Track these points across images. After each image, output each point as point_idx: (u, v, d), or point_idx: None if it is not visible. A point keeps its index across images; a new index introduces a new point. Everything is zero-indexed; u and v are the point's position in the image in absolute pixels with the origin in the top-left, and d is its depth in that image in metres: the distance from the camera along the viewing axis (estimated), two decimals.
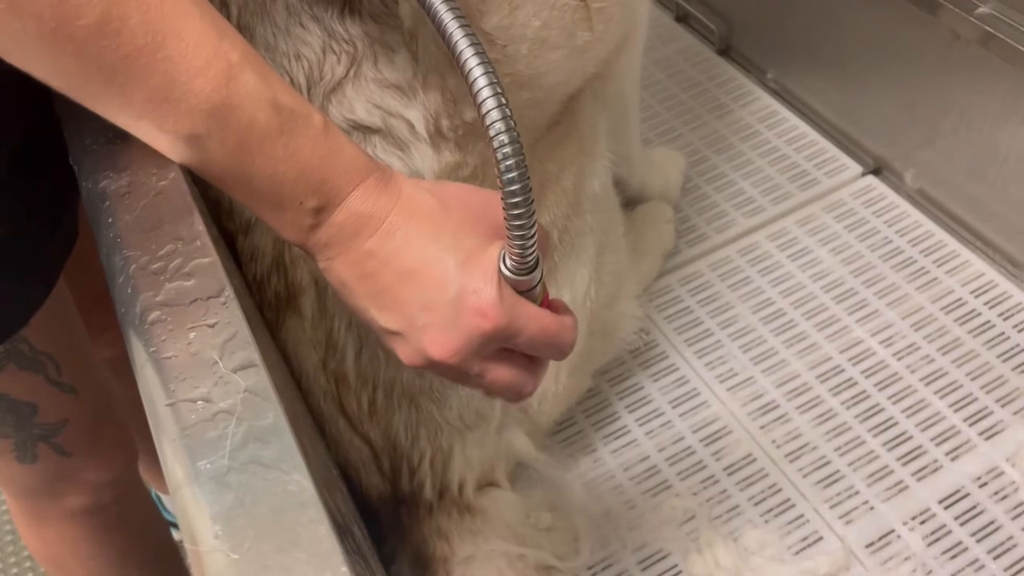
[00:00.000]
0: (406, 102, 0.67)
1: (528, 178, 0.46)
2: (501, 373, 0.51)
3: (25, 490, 0.84)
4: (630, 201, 1.10)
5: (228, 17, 0.69)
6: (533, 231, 0.47)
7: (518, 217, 0.46)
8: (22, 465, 0.78)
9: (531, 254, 0.48)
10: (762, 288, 1.07)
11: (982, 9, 0.93)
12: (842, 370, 0.99)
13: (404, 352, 0.51)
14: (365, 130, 0.68)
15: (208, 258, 0.45)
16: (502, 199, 0.46)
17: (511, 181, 0.46)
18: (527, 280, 0.49)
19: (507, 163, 0.45)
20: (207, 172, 0.48)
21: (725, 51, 1.36)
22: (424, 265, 0.49)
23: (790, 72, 1.27)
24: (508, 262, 0.49)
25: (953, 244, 1.07)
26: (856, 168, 1.17)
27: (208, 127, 0.45)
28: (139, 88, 0.44)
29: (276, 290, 0.75)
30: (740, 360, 1.01)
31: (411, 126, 0.68)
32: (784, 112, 1.26)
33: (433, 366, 0.51)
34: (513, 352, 0.51)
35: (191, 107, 0.45)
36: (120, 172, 0.50)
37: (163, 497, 1.28)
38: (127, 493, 0.92)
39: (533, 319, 0.49)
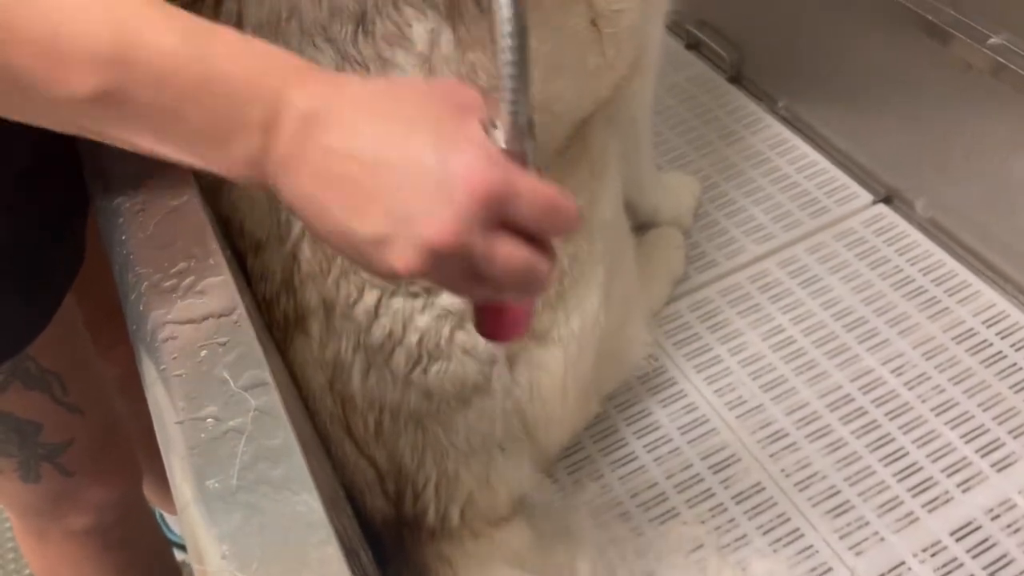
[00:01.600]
0: None
1: (525, 15, 0.42)
2: (509, 250, 0.44)
3: (28, 509, 0.84)
4: (641, 226, 1.10)
5: None
6: (527, 82, 0.43)
7: (513, 56, 0.42)
8: (25, 484, 0.78)
9: (523, 115, 0.43)
10: (772, 315, 1.07)
11: (994, 40, 0.93)
12: (852, 399, 0.98)
13: (398, 257, 0.43)
14: None
15: (220, 276, 0.45)
16: (496, 39, 0.43)
17: (509, 20, 0.42)
18: (519, 152, 0.45)
19: None
20: (132, 129, 0.44)
21: (736, 79, 1.36)
22: (395, 147, 0.44)
23: (801, 100, 1.27)
24: (498, 130, 0.44)
25: (964, 273, 1.07)
26: (867, 196, 1.17)
27: (114, 75, 0.41)
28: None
29: (285, 310, 0.75)
30: (750, 387, 1.01)
31: None
32: (795, 140, 1.26)
33: (432, 263, 0.44)
34: (516, 234, 0.45)
35: (89, 60, 0.41)
36: (135, 190, 0.50)
37: (167, 517, 1.27)
38: (130, 514, 0.91)
39: (529, 182, 0.44)
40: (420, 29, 0.66)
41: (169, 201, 0.49)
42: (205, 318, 0.43)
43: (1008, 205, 1.01)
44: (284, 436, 0.39)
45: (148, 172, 0.50)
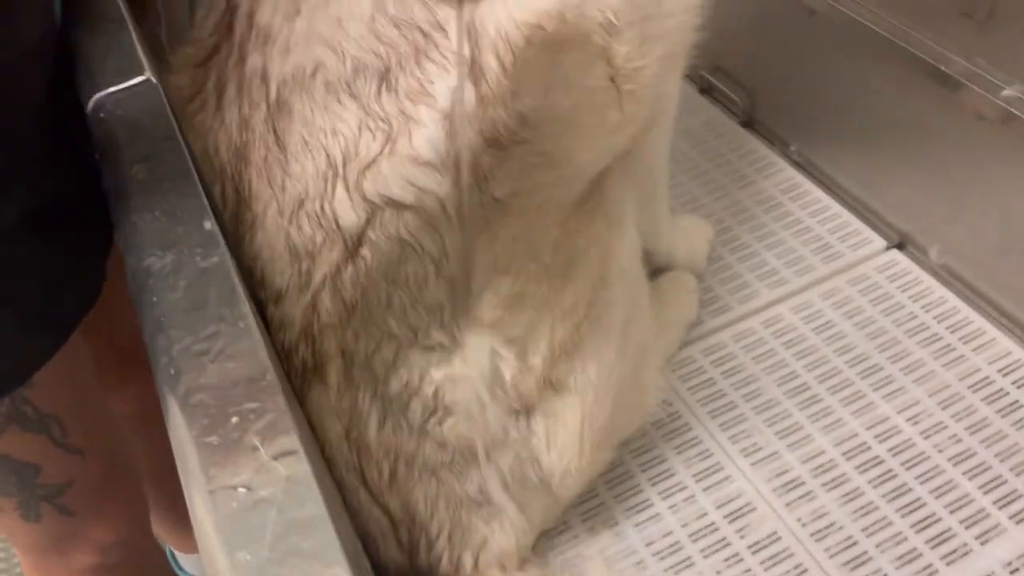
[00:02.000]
0: (439, 179, 0.69)
1: None
2: None
3: (33, 547, 0.84)
4: (655, 270, 1.11)
5: (267, 92, 0.71)
6: None
7: None
8: (27, 523, 0.78)
9: None
10: (786, 361, 1.07)
11: (1007, 92, 0.94)
12: (868, 447, 0.98)
13: None
14: (398, 206, 0.70)
15: (251, 340, 0.46)
16: None
17: None
18: None
19: None
20: None
21: (748, 123, 1.37)
22: None
23: (813, 144, 1.28)
24: None
25: (979, 321, 1.07)
26: (880, 242, 1.17)
27: None
28: None
29: (303, 359, 0.76)
30: (765, 434, 1.00)
31: (442, 204, 0.69)
32: (807, 184, 1.27)
33: None
34: None
35: None
36: (165, 250, 0.51)
37: (178, 554, 1.27)
38: (137, 552, 0.91)
39: None
40: (442, 86, 0.67)
41: (199, 262, 0.50)
42: (236, 383, 0.44)
43: (1022, 254, 1.01)
44: (315, 507, 0.39)
45: (179, 233, 0.51)
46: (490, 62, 0.65)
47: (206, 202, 0.53)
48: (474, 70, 0.66)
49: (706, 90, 1.43)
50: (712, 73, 1.40)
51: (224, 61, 0.73)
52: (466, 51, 0.65)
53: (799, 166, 1.30)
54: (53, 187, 0.65)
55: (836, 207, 1.23)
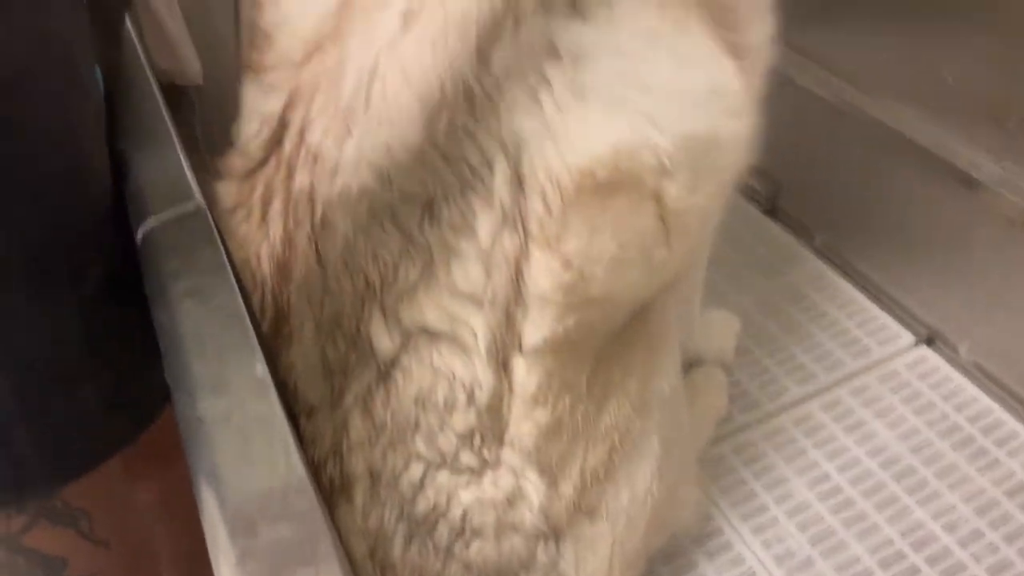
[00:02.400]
0: (474, 311, 0.69)
1: None
2: None
3: None
4: (684, 365, 1.10)
5: (312, 211, 0.72)
6: None
7: None
8: None
9: None
10: (818, 461, 1.06)
11: None
12: (905, 555, 0.96)
13: None
14: (432, 335, 0.70)
15: (306, 499, 0.45)
16: None
17: None
18: None
19: None
20: None
21: (772, 211, 1.38)
22: None
23: (839, 236, 1.29)
24: None
25: (1012, 423, 1.06)
26: (909, 337, 1.17)
27: None
28: None
29: (331, 476, 0.75)
30: (798, 539, 0.99)
31: (475, 335, 0.69)
32: (833, 276, 1.27)
33: None
34: None
35: None
36: (218, 396, 0.51)
37: None
38: None
39: None
40: (485, 222, 0.68)
41: (252, 407, 0.50)
42: (290, 544, 0.44)
43: None
44: None
45: (231, 376, 0.51)
46: (536, 206, 0.66)
47: (256, 344, 0.53)
48: (517, 213, 0.67)
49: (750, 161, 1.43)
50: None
51: (272, 175, 0.74)
52: (507, 194, 0.66)
53: (825, 257, 1.30)
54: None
55: (863, 300, 1.23)
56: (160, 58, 1.13)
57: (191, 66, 1.17)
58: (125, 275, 0.67)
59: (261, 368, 0.52)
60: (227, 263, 0.58)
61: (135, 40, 0.92)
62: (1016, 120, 0.95)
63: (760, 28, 0.74)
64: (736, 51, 0.72)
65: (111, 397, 0.70)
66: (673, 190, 0.68)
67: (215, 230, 0.64)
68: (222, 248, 0.60)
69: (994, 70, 0.95)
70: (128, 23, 0.88)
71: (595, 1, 0.66)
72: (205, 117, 1.23)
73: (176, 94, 1.24)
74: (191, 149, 1.19)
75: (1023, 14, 0.91)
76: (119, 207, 0.69)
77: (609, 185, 0.65)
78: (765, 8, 0.75)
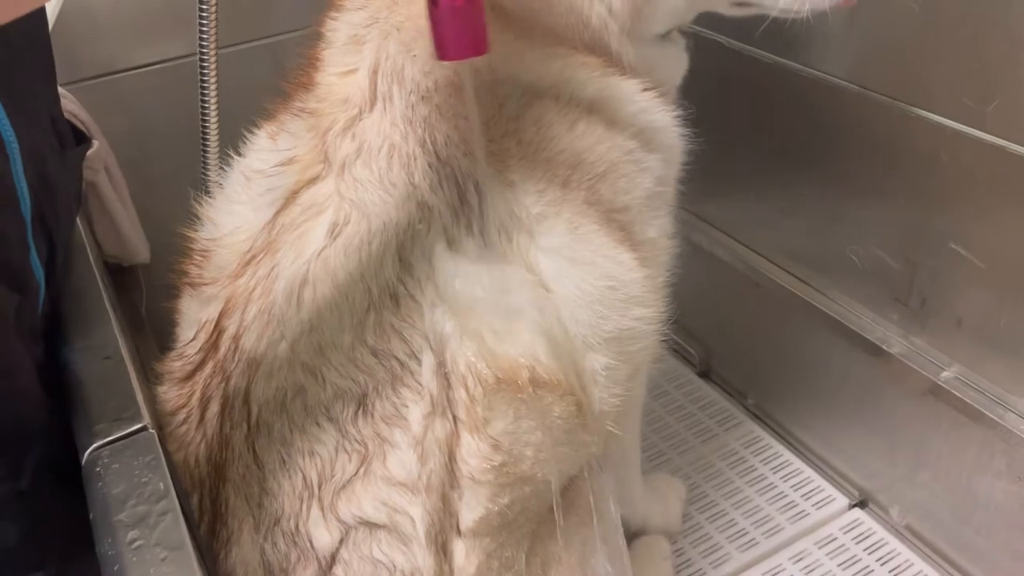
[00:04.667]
0: (411, 499, 0.70)
1: None
2: None
3: None
4: (627, 536, 1.11)
5: (248, 413, 0.74)
6: None
7: None
8: None
9: None
10: None
11: (946, 373, 1.00)
12: None
13: None
14: (371, 526, 0.71)
15: None
16: None
17: None
18: None
19: None
20: None
21: (705, 374, 1.43)
22: None
23: (769, 398, 1.33)
24: None
25: None
26: (843, 500, 1.20)
27: None
28: None
29: None
30: None
31: (413, 522, 0.71)
32: (767, 438, 1.31)
33: None
34: None
35: None
36: None
37: None
38: None
39: None
40: (416, 412, 0.70)
41: None
42: None
43: (982, 520, 1.03)
44: None
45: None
46: (461, 395, 0.69)
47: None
48: (445, 401, 0.70)
49: (662, 340, 1.49)
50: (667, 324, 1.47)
51: (209, 378, 0.76)
52: (435, 384, 0.69)
53: (758, 418, 1.34)
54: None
55: (797, 462, 1.26)
56: (108, 244, 1.16)
57: (139, 249, 1.20)
58: (63, 463, 0.67)
59: None
60: (173, 491, 0.59)
61: (82, 230, 0.95)
62: (918, 299, 1.02)
63: (657, 224, 0.80)
64: (633, 244, 0.77)
65: None
66: (593, 390, 0.72)
67: (160, 451, 0.64)
68: (167, 471, 0.61)
69: (896, 253, 1.03)
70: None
71: (493, 229, 0.71)
72: (153, 295, 1.26)
73: (123, 274, 1.26)
74: (137, 327, 1.21)
75: (921, 206, 0.99)
76: (54, 397, 0.70)
77: (529, 383, 0.69)
78: (660, 206, 0.81)
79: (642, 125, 0.76)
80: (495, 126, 0.71)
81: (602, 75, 0.75)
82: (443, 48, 0.61)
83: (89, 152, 1.03)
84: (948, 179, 0.95)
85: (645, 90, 0.77)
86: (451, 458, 0.71)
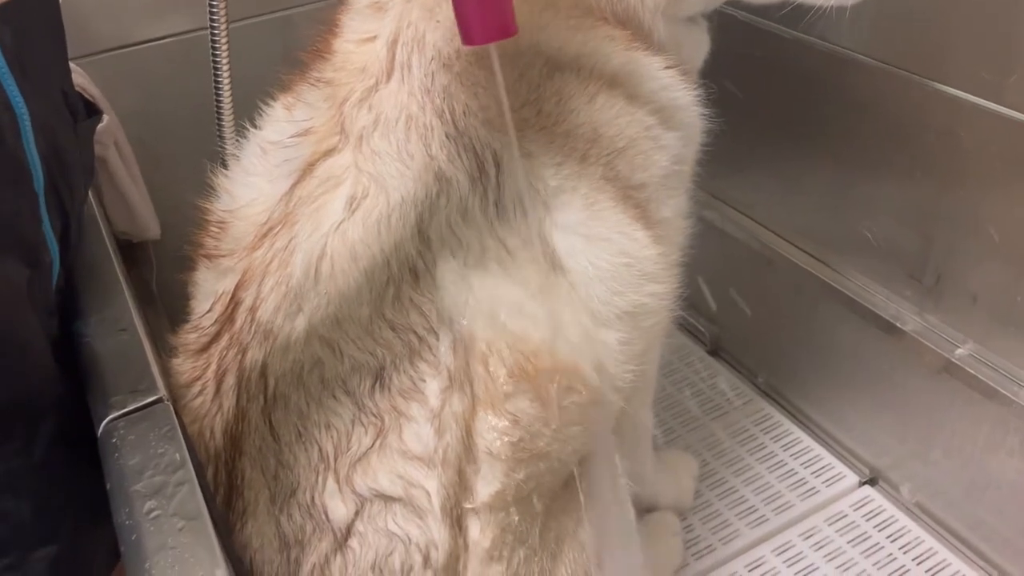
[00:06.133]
0: (426, 472, 0.70)
1: None
2: None
3: None
4: (639, 513, 1.11)
5: (265, 386, 0.74)
6: None
7: None
8: None
9: None
10: None
11: (960, 351, 1.00)
12: None
13: None
14: (387, 499, 0.71)
15: None
16: None
17: None
18: None
19: None
20: None
21: (715, 351, 1.43)
22: None
23: (779, 376, 1.33)
24: None
25: (957, 563, 1.08)
26: (853, 477, 1.20)
27: None
28: None
29: None
30: None
31: (428, 496, 0.71)
32: (777, 415, 1.30)
33: None
34: None
35: None
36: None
37: None
38: None
39: None
40: (434, 386, 0.70)
41: None
42: None
43: (994, 498, 1.03)
44: None
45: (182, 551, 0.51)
46: (480, 371, 0.69)
47: (217, 546, 0.54)
48: (464, 376, 0.70)
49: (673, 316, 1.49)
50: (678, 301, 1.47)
51: (224, 351, 0.76)
52: (452, 360, 0.69)
53: (768, 396, 1.34)
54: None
55: (807, 440, 1.26)
56: (119, 219, 1.16)
57: (149, 225, 1.20)
58: (75, 437, 0.68)
59: (222, 573, 0.52)
60: (189, 461, 0.59)
61: (94, 204, 0.95)
62: (932, 276, 1.01)
63: (673, 203, 0.80)
64: (648, 223, 0.77)
65: (60, 565, 0.70)
66: (609, 369, 0.71)
67: (176, 422, 0.64)
68: (183, 442, 0.61)
69: (911, 229, 1.03)
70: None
71: (509, 201, 0.71)
72: (162, 269, 1.26)
73: (134, 249, 1.26)
74: (148, 302, 1.21)
75: (937, 181, 0.99)
76: (68, 370, 0.70)
77: (547, 372, 0.69)
78: (676, 186, 0.80)
79: (663, 102, 0.75)
80: (514, 96, 0.71)
81: (626, 49, 0.74)
82: (468, 31, 0.58)
83: (99, 127, 1.02)
84: (965, 154, 0.95)
85: (668, 67, 0.76)
86: (468, 432, 0.70)
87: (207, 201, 0.78)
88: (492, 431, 0.69)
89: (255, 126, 0.79)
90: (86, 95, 1.02)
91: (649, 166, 0.77)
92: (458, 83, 0.70)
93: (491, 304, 0.70)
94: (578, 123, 0.72)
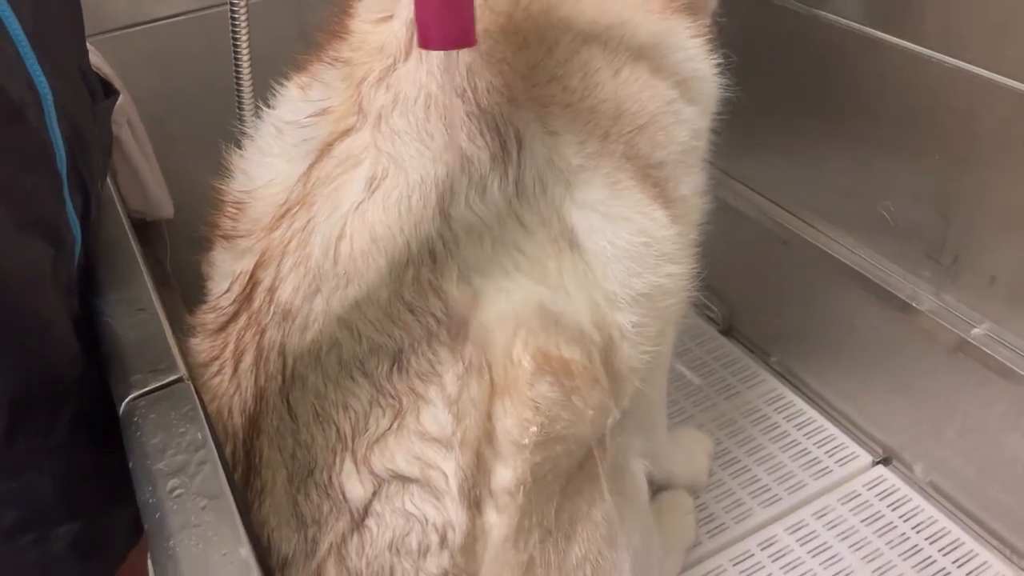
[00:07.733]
0: (444, 454, 0.71)
1: None
2: None
3: None
4: (653, 491, 1.12)
5: (283, 366, 0.74)
6: None
7: None
8: None
9: None
10: None
11: (976, 330, 0.99)
12: None
13: None
14: (404, 480, 0.71)
15: None
16: None
17: None
18: None
19: None
20: None
21: (728, 331, 1.42)
22: None
23: (792, 355, 1.33)
24: None
25: (971, 543, 1.08)
26: (867, 457, 1.20)
27: None
28: None
29: None
30: None
31: (446, 477, 0.71)
32: (791, 395, 1.31)
33: None
34: None
35: None
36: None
37: None
38: None
39: None
40: (452, 369, 0.70)
41: None
42: None
43: (1008, 477, 1.04)
44: None
45: (214, 558, 0.51)
46: (500, 356, 0.69)
47: (240, 524, 0.54)
48: (483, 361, 0.70)
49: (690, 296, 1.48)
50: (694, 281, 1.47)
51: (243, 331, 0.76)
52: (469, 354, 0.69)
53: (780, 376, 1.34)
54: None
55: (821, 420, 1.26)
56: (132, 199, 1.16)
57: (163, 205, 1.20)
58: (96, 417, 0.68)
59: (245, 551, 0.53)
60: (211, 440, 0.59)
61: (109, 183, 0.95)
62: (950, 256, 1.01)
63: (690, 181, 0.79)
64: (667, 202, 0.77)
65: (82, 542, 0.70)
66: (623, 350, 0.71)
67: (197, 401, 0.65)
68: (204, 421, 0.61)
69: (929, 209, 1.02)
70: None
71: (529, 179, 0.71)
72: (176, 250, 1.26)
73: (147, 229, 1.26)
74: (163, 281, 1.21)
75: (957, 160, 0.98)
76: (90, 352, 0.70)
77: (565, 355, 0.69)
78: (694, 163, 0.80)
79: (686, 74, 0.75)
80: (542, 71, 0.70)
81: (661, 18, 0.73)
82: (426, 35, 0.57)
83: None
84: (984, 132, 0.94)
85: (695, 36, 0.75)
86: (486, 416, 0.71)
87: (222, 181, 0.78)
88: (511, 415, 0.69)
89: (269, 106, 0.79)
90: (101, 74, 1.02)
91: (668, 143, 0.76)
92: (481, 60, 0.69)
93: (509, 286, 0.70)
94: (603, 98, 0.71)
